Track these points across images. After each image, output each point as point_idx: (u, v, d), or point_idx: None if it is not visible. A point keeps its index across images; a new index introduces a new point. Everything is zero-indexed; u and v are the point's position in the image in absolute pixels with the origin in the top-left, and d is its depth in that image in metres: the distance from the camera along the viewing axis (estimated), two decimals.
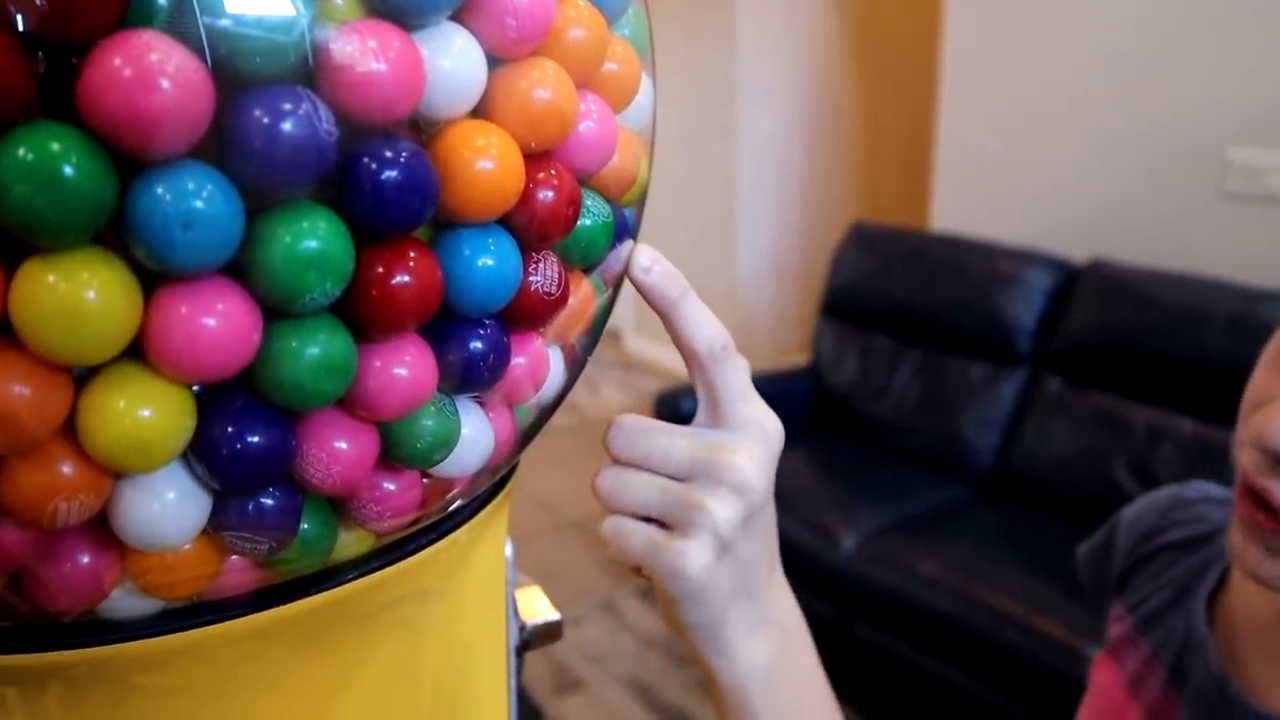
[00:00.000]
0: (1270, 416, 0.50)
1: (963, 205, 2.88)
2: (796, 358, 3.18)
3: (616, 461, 0.39)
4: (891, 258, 2.78)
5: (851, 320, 2.86)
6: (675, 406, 2.70)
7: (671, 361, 4.67)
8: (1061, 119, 2.54)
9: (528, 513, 3.44)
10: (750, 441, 0.39)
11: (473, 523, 0.37)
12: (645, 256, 0.38)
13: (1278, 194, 2.20)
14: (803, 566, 2.20)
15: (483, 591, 0.42)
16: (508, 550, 0.44)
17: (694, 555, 0.37)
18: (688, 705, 2.45)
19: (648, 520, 0.39)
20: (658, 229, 4.69)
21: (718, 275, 4.30)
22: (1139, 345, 2.14)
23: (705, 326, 0.40)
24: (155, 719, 0.31)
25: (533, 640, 0.49)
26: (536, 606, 0.50)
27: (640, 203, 0.38)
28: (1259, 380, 0.54)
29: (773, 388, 2.85)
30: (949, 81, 2.87)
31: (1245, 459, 0.52)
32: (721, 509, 0.37)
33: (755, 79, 4.00)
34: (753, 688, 0.42)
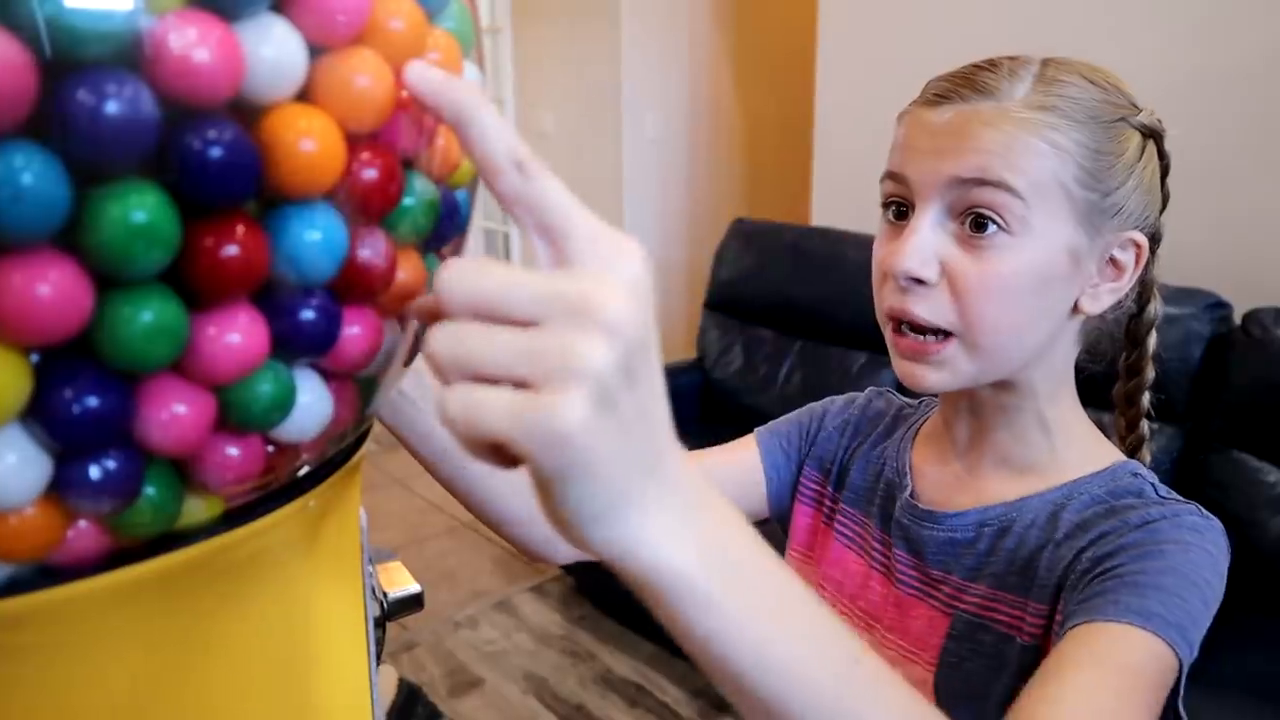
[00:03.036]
0: (894, 255, 0.64)
1: (841, 200, 2.98)
2: (686, 355, 3.24)
3: (452, 317, 0.31)
4: (772, 252, 2.86)
5: (735, 314, 2.93)
6: None
7: None
8: None
9: (422, 514, 3.42)
10: (610, 269, 0.33)
11: (322, 488, 0.39)
12: (417, 65, 0.32)
13: None
14: None
15: (338, 559, 0.44)
16: (362, 519, 0.46)
17: (568, 408, 0.29)
18: (586, 700, 2.47)
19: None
20: None
21: None
22: None
23: (509, 137, 0.33)
24: (17, 676, 0.33)
25: (393, 611, 0.52)
26: (397, 579, 0.52)
27: (472, 186, 0.41)
28: (875, 248, 0.68)
29: None
30: (824, 81, 2.97)
31: (886, 300, 0.66)
32: (593, 350, 0.30)
33: (638, 81, 4.05)
34: (688, 596, 0.34)
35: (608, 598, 2.73)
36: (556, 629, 2.74)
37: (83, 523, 0.32)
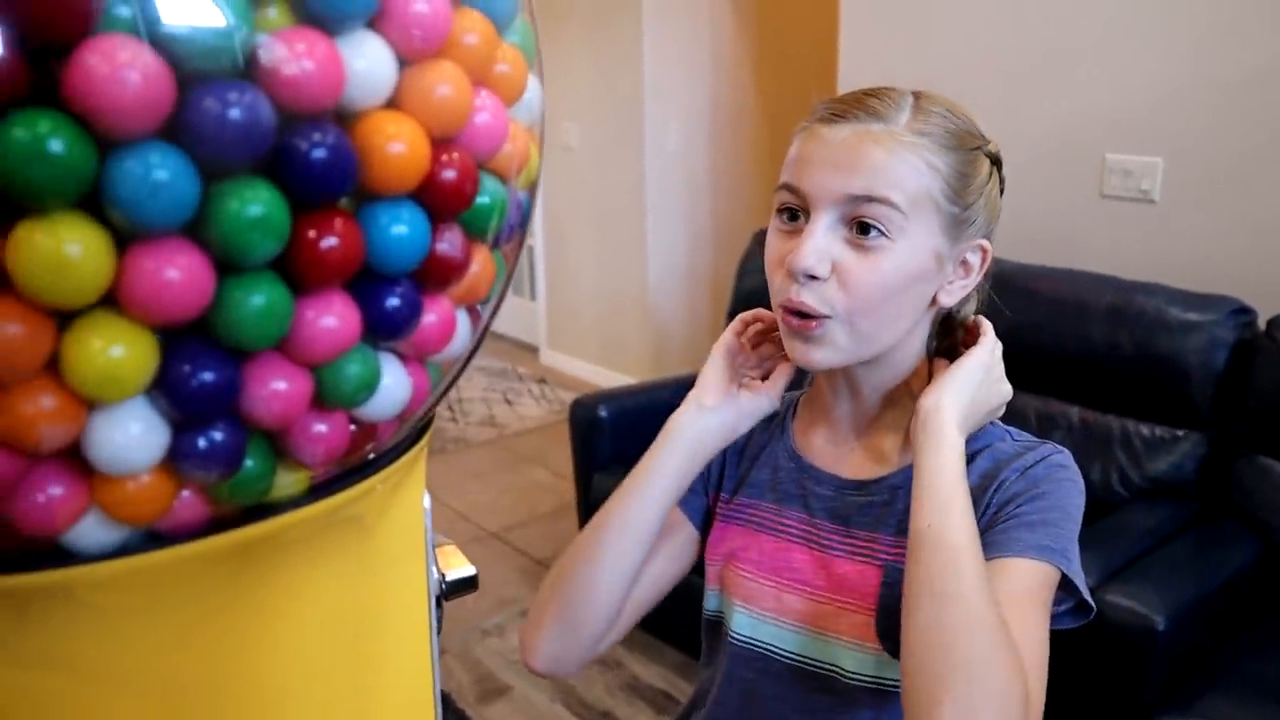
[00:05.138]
0: (795, 254, 0.73)
1: None
2: None
3: None
4: None
5: None
6: (591, 413, 2.76)
7: (584, 373, 4.73)
8: None
9: (449, 524, 3.45)
10: None
11: (393, 469, 0.42)
12: None
13: (1150, 194, 2.37)
14: None
15: (404, 536, 0.47)
16: (426, 502, 0.49)
17: None
18: (613, 706, 2.50)
19: None
20: (570, 241, 4.75)
21: (630, 284, 4.37)
22: (1024, 336, 2.27)
23: None
24: (118, 636, 0.36)
25: (450, 591, 0.55)
26: (453, 561, 0.55)
27: (533, 188, 0.44)
28: (771, 246, 0.78)
29: (685, 393, 2.93)
30: (845, 90, 3.00)
31: (781, 291, 0.76)
32: None
33: (661, 92, 4.10)
34: None
35: None
36: None
37: (186, 493, 0.35)
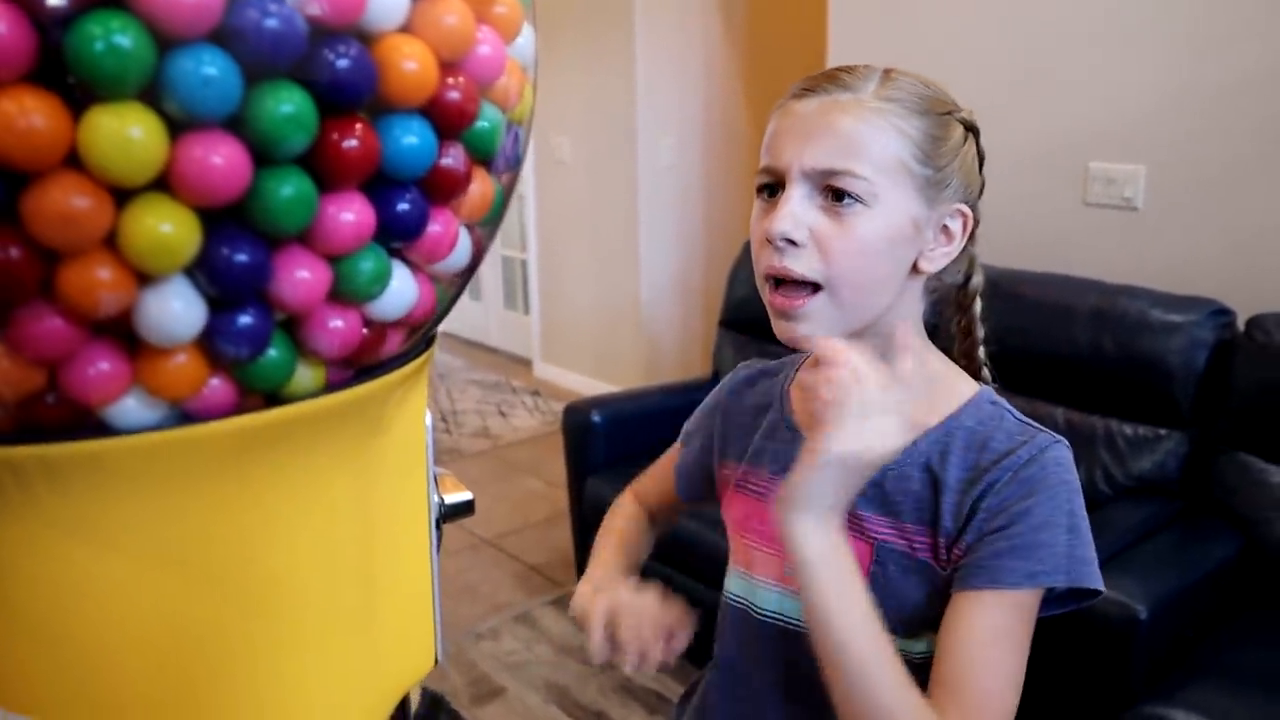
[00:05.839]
0: (771, 220, 0.76)
1: None
2: (702, 372, 3.31)
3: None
4: None
5: (748, 332, 3.01)
6: (584, 418, 2.80)
7: (578, 385, 4.76)
8: None
9: (445, 532, 3.48)
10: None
11: (398, 375, 0.47)
12: None
13: (1133, 201, 2.42)
14: (710, 564, 2.31)
15: (408, 450, 0.52)
16: (428, 419, 0.53)
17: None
18: (606, 707, 2.52)
19: None
20: (564, 254, 4.79)
21: (622, 296, 4.42)
22: (1011, 339, 2.32)
23: None
24: (138, 507, 0.40)
25: (448, 514, 0.59)
26: (450, 486, 0.59)
27: (527, 126, 0.49)
28: (754, 225, 0.80)
29: (678, 399, 2.98)
30: None
31: (764, 262, 0.78)
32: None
33: (653, 106, 4.16)
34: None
35: None
36: (577, 640, 2.79)
37: (216, 380, 0.40)
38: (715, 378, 3.05)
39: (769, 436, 0.91)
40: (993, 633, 0.74)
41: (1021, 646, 0.75)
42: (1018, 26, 2.60)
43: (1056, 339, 2.25)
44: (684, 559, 2.36)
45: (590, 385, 4.59)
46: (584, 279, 4.68)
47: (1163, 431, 2.14)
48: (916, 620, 0.80)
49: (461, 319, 5.91)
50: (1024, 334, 2.30)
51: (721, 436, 0.97)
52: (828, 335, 0.78)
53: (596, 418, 2.79)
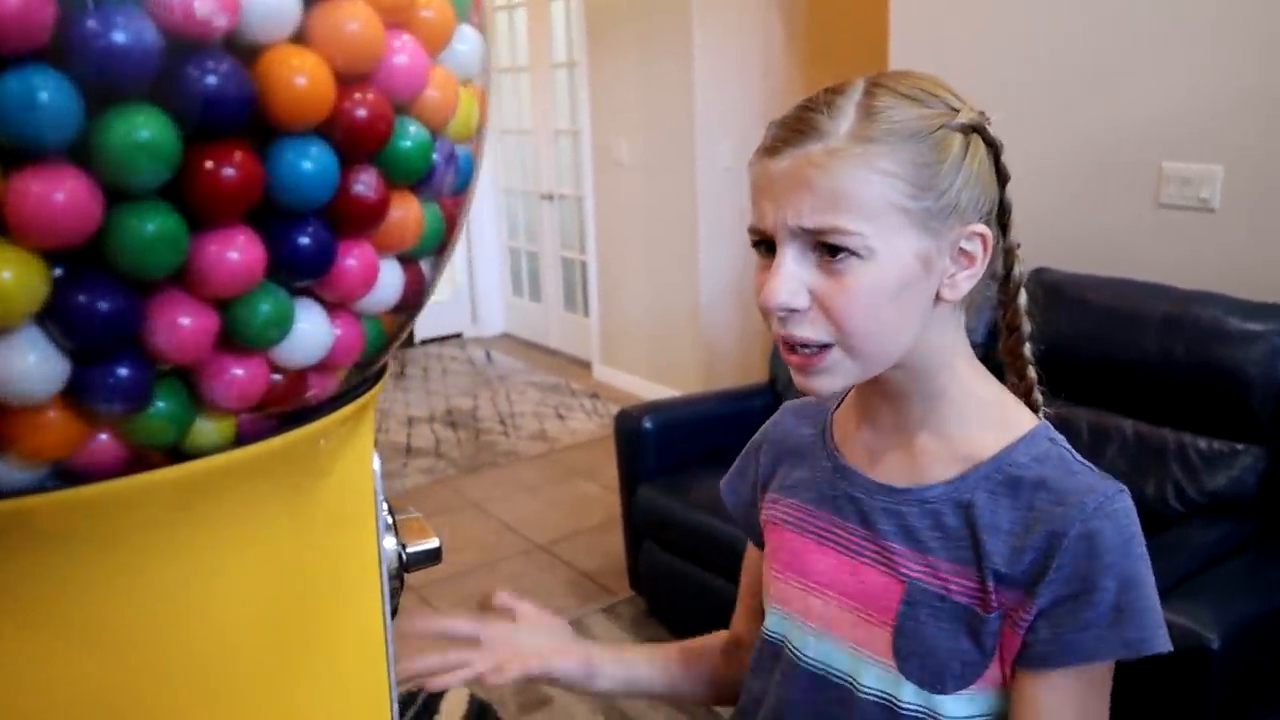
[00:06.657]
0: (768, 292, 0.71)
1: None
2: (760, 378, 3.25)
3: None
4: None
5: None
6: (635, 424, 2.76)
7: (636, 388, 4.72)
8: (1004, 135, 2.64)
9: (497, 536, 3.47)
10: None
11: (329, 422, 0.42)
12: None
13: (1209, 203, 2.30)
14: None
15: (352, 495, 0.47)
16: (375, 463, 0.49)
17: None
18: (654, 719, 2.48)
19: None
20: (623, 256, 4.76)
21: (681, 299, 4.37)
22: (1076, 347, 2.22)
23: None
24: (31, 572, 0.36)
25: (412, 562, 0.54)
26: (416, 531, 0.55)
27: (477, 143, 0.44)
28: (756, 283, 0.74)
29: (732, 405, 2.92)
30: None
31: (774, 328, 0.73)
32: None
33: (711, 106, 4.10)
34: None
35: (679, 620, 2.74)
36: None
37: (103, 436, 0.36)
38: (772, 384, 2.98)
39: (809, 466, 0.88)
40: (1083, 711, 0.74)
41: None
42: (1085, 23, 2.48)
43: (1125, 347, 2.14)
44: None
45: (649, 389, 4.55)
46: (643, 282, 4.64)
47: (1239, 446, 2.02)
48: (944, 674, 0.75)
49: (522, 320, 5.91)
50: (1091, 342, 2.20)
51: (769, 470, 0.93)
52: (853, 384, 0.76)
53: (648, 424, 2.75)
